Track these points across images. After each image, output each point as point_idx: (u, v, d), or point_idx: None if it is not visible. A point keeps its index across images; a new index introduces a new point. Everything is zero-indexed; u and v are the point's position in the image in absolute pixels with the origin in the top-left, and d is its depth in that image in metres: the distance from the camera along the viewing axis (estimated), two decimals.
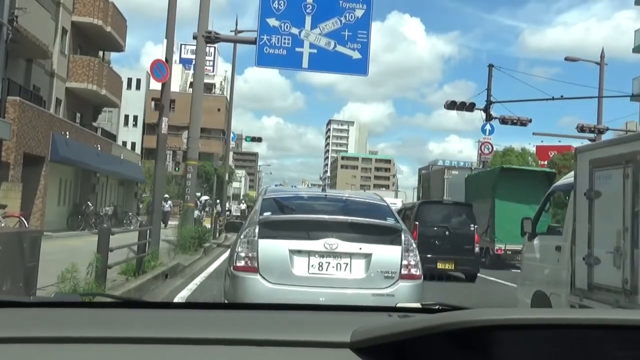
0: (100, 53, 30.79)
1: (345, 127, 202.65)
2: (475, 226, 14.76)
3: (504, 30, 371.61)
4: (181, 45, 67.65)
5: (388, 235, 5.49)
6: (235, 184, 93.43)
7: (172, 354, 1.27)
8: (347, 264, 5.32)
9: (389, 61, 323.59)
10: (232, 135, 36.83)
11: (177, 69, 57.48)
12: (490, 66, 26.78)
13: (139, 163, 37.49)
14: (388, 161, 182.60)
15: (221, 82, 72.19)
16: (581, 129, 25.79)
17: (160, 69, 13.47)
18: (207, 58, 36.33)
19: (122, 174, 31.85)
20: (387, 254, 5.39)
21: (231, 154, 53.05)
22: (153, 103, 52.06)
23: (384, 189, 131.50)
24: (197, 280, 10.62)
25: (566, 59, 28.13)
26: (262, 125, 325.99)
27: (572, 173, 7.12)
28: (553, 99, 24.44)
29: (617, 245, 5.70)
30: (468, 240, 14.19)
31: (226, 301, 5.48)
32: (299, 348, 1.30)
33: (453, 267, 13.90)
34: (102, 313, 1.70)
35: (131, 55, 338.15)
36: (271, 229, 5.41)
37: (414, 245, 5.54)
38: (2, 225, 14.34)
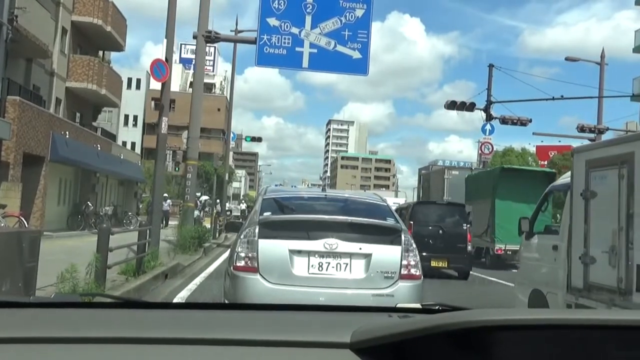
0: (100, 53, 30.79)
1: (345, 127, 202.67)
2: (468, 225, 15.32)
3: (504, 30, 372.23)
4: (181, 45, 67.71)
5: (388, 236, 5.49)
6: (235, 184, 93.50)
7: (172, 354, 1.27)
8: (347, 264, 5.31)
9: (389, 61, 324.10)
10: (232, 135, 36.84)
11: (177, 68, 57.49)
12: (491, 66, 26.80)
13: (138, 163, 37.49)
14: (388, 161, 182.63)
15: (221, 82, 72.20)
16: (581, 129, 25.80)
17: (160, 68, 13.46)
18: (207, 58, 36.36)
19: (122, 174, 31.85)
20: (387, 254, 5.39)
21: (231, 154, 53.05)
22: (153, 103, 52.08)
23: (383, 189, 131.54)
24: (197, 280, 10.61)
25: (566, 59, 28.14)
26: (262, 125, 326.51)
27: (569, 173, 7.17)
28: (553, 99, 24.45)
29: (612, 244, 5.75)
30: (461, 239, 14.70)
31: (226, 301, 5.48)
32: (299, 348, 1.30)
33: (446, 265, 14.35)
34: (101, 313, 1.69)
35: (131, 55, 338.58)
36: (271, 229, 5.41)
37: (414, 246, 5.53)
38: (2, 225, 14.34)
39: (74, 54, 26.85)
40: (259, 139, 38.33)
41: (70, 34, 26.24)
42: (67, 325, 1.43)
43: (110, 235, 8.22)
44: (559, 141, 36.20)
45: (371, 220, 5.62)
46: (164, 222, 23.37)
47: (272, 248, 5.32)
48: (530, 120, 25.47)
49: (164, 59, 13.83)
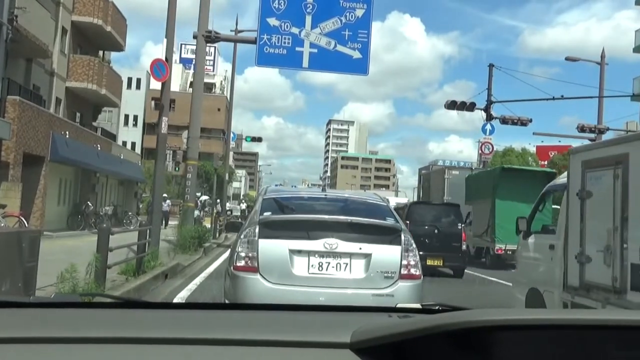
0: (100, 53, 30.79)
1: (345, 127, 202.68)
2: (462, 225, 15.84)
3: (504, 30, 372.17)
4: (181, 44, 67.71)
5: (388, 235, 5.50)
6: (235, 184, 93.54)
7: (172, 354, 1.27)
8: (347, 264, 5.32)
9: (389, 61, 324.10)
10: (232, 135, 36.86)
11: (177, 68, 57.50)
12: (491, 66, 26.79)
13: (139, 163, 37.50)
14: (388, 161, 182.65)
15: (221, 81, 72.22)
16: (581, 129, 25.79)
17: (160, 68, 13.47)
18: (207, 58, 36.36)
19: (122, 174, 31.85)
20: (387, 254, 5.39)
21: (231, 154, 53.07)
22: (153, 103, 52.08)
23: (384, 189, 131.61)
24: (197, 280, 10.61)
25: (566, 58, 28.13)
26: (262, 125, 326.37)
27: (566, 173, 7.24)
28: (553, 98, 24.44)
29: (607, 244, 5.79)
30: (455, 238, 15.11)
31: (226, 301, 5.49)
32: (299, 348, 1.30)
33: (441, 264, 14.67)
34: (101, 313, 1.69)
35: (131, 55, 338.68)
36: (271, 229, 5.42)
37: (414, 245, 5.54)
38: (2, 225, 14.34)
39: (74, 53, 26.85)
40: (259, 139, 38.33)
41: (70, 34, 26.24)
42: (67, 325, 1.43)
43: (110, 235, 8.22)
44: (559, 141, 36.24)
45: (371, 220, 5.63)
46: (164, 222, 23.35)
47: (272, 248, 5.32)
48: (531, 120, 25.47)
49: (164, 58, 13.83)
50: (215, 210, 32.10)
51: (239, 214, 46.48)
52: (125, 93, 38.25)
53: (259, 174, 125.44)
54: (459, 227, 15.52)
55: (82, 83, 26.50)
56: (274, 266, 5.27)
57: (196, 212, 22.11)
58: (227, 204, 46.26)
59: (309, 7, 16.65)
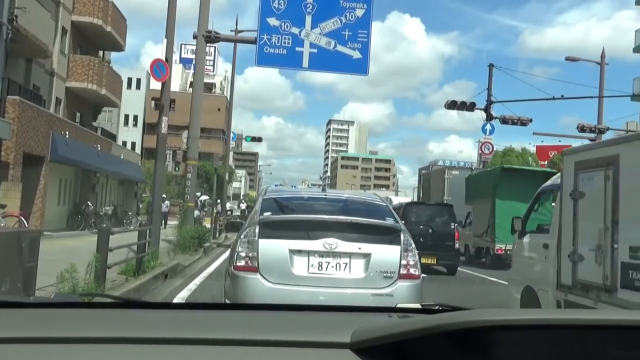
0: (100, 53, 30.78)
1: (345, 127, 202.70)
2: (456, 225, 16.41)
3: (504, 30, 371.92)
4: (181, 45, 67.72)
5: (387, 235, 5.51)
6: (235, 184, 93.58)
7: (172, 354, 1.27)
8: (346, 263, 5.33)
9: (389, 61, 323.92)
10: (232, 135, 36.85)
11: (177, 68, 57.50)
12: (491, 66, 26.79)
13: (139, 163, 37.50)
14: (388, 161, 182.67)
15: (221, 82, 72.24)
16: (581, 128, 25.79)
17: (160, 68, 13.47)
18: (207, 58, 36.36)
19: (122, 174, 31.85)
20: (386, 254, 5.41)
21: (231, 154, 53.07)
22: (153, 103, 52.09)
23: (384, 189, 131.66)
24: (197, 280, 10.61)
25: (567, 58, 28.13)
26: (262, 125, 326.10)
27: (559, 174, 7.39)
28: (553, 98, 24.44)
29: (598, 243, 5.91)
30: (449, 238, 15.62)
31: (227, 300, 5.51)
32: (299, 348, 1.30)
33: (435, 262, 15.13)
34: (101, 313, 1.70)
35: (131, 55, 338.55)
36: (271, 229, 5.43)
37: (413, 245, 5.56)
38: (2, 225, 14.34)
39: (74, 54, 26.85)
40: (259, 139, 38.33)
41: (70, 34, 26.24)
42: (66, 325, 1.43)
43: (110, 235, 8.22)
44: (559, 141, 36.20)
45: (370, 220, 5.64)
46: (163, 222, 23.36)
47: (272, 248, 5.34)
48: (531, 120, 25.46)
49: (164, 58, 13.84)
50: (215, 210, 32.11)
51: (239, 213, 46.52)
52: (125, 93, 38.25)
53: (259, 174, 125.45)
54: (452, 227, 16.05)
55: (82, 83, 26.49)
56: (274, 266, 5.29)
57: (196, 212, 22.11)
58: (228, 204, 46.30)
59: (309, 7, 16.65)
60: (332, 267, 5.31)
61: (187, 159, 18.02)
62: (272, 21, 16.56)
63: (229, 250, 8.30)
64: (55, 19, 24.05)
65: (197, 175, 21.45)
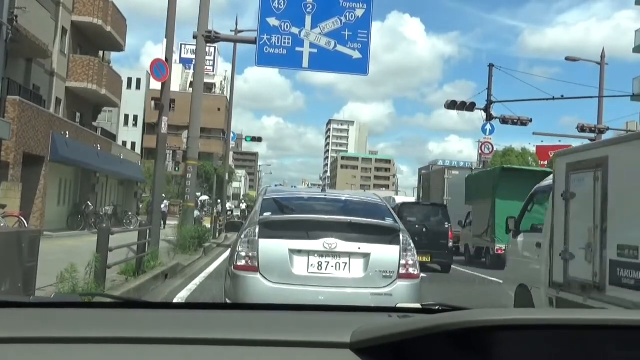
0: (100, 53, 30.78)
1: (345, 127, 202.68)
2: (449, 224, 16.80)
3: (504, 30, 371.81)
4: (181, 45, 67.72)
5: (386, 235, 5.54)
6: (235, 184, 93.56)
7: (172, 354, 1.27)
8: (346, 263, 5.35)
9: (389, 61, 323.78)
10: (232, 135, 36.84)
11: (177, 68, 57.51)
12: (491, 66, 26.79)
13: (139, 163, 37.49)
14: (388, 161, 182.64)
15: (221, 82, 72.24)
16: (581, 128, 25.78)
17: (160, 68, 13.47)
18: (207, 58, 36.34)
19: (122, 174, 31.85)
20: (386, 254, 5.43)
21: (231, 154, 53.07)
22: (153, 103, 52.09)
23: (384, 189, 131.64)
24: (197, 280, 10.61)
25: (567, 58, 28.12)
26: (262, 125, 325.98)
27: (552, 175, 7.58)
28: (553, 98, 24.44)
29: (588, 242, 6.10)
30: (443, 237, 16.10)
31: (227, 300, 5.53)
32: (299, 348, 1.30)
33: (430, 260, 15.56)
34: (101, 313, 1.70)
35: (131, 55, 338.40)
36: (271, 229, 5.46)
37: (412, 245, 5.59)
38: (2, 225, 14.34)
39: (74, 54, 26.85)
40: (259, 139, 38.33)
41: (70, 34, 26.24)
42: (67, 325, 1.43)
43: (110, 235, 8.22)
44: (559, 141, 36.09)
45: (370, 220, 5.67)
46: (162, 223, 23.35)
47: (272, 248, 5.36)
48: (531, 120, 25.46)
49: (164, 59, 13.84)
50: (215, 210, 32.11)
51: (239, 213, 46.52)
52: (125, 93, 38.25)
53: (259, 174, 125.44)
54: (446, 226, 16.53)
55: (82, 83, 26.49)
56: (274, 266, 5.31)
57: (196, 212, 22.11)
58: (228, 204, 46.30)
59: (309, 7, 16.64)
60: (332, 266, 5.33)
61: (187, 159, 18.02)
62: (272, 21, 16.55)
63: (229, 250, 8.31)
64: (55, 19, 24.05)
65: (197, 175, 21.45)
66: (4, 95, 17.95)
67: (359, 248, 5.37)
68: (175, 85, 49.50)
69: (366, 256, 5.37)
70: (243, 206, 57.16)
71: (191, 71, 45.71)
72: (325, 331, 1.39)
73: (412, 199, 30.46)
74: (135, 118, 57.56)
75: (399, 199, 29.05)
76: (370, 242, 5.41)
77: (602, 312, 2.59)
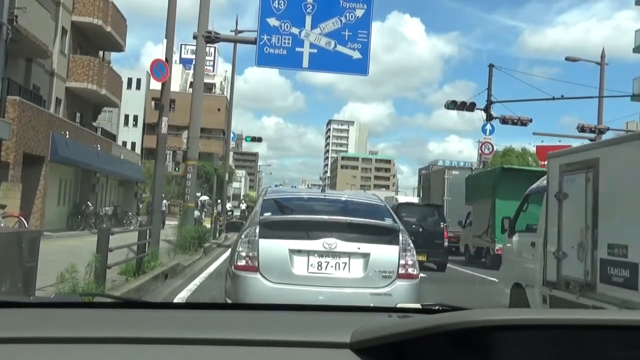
0: (100, 53, 30.78)
1: (345, 127, 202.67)
2: (445, 224, 17.32)
3: (504, 30, 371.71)
4: (181, 45, 67.72)
5: (386, 235, 5.56)
6: (235, 184, 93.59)
7: (172, 354, 1.27)
8: (345, 263, 5.37)
9: (389, 61, 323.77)
10: (232, 135, 36.83)
11: (177, 69, 57.52)
12: (491, 66, 26.78)
13: (139, 163, 37.49)
14: (388, 161, 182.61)
15: (221, 82, 72.25)
16: (581, 129, 25.77)
17: (160, 68, 13.47)
18: (207, 58, 36.33)
19: (122, 174, 31.84)
20: (385, 254, 5.45)
21: (231, 154, 53.07)
22: (153, 103, 52.10)
23: (384, 189, 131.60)
24: (197, 280, 10.61)
25: (567, 59, 28.11)
26: (262, 125, 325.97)
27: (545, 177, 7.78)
28: (554, 98, 24.44)
29: (580, 241, 6.29)
30: (438, 236, 16.49)
31: (227, 299, 5.55)
32: (299, 348, 1.30)
33: (425, 259, 15.77)
34: (101, 313, 1.70)
35: (131, 55, 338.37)
36: (271, 229, 5.48)
37: (412, 245, 5.60)
38: (2, 225, 14.34)
39: (74, 54, 26.85)
40: (259, 139, 38.32)
41: (70, 34, 26.23)
42: (67, 325, 1.43)
43: (110, 235, 8.22)
44: (559, 141, 36.01)
45: (369, 220, 5.70)
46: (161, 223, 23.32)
47: (272, 248, 5.38)
48: (531, 120, 25.45)
49: (164, 59, 13.84)
50: (215, 211, 32.10)
51: (239, 214, 46.53)
52: (125, 93, 38.24)
53: (259, 174, 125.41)
54: (442, 226, 16.98)
55: (82, 83, 26.49)
56: (274, 265, 5.33)
57: (196, 212, 22.12)
58: (228, 204, 46.29)
59: (309, 7, 16.64)
60: (332, 266, 5.36)
61: (187, 159, 18.02)
62: (272, 21, 16.55)
63: (229, 251, 8.31)
64: (55, 19, 24.05)
65: (197, 175, 21.45)
66: (4, 95, 17.95)
67: (359, 248, 5.39)
68: (175, 86, 49.49)
69: (366, 256, 5.38)
70: (243, 206, 57.17)
71: (191, 71, 45.72)
72: (325, 331, 1.39)
73: (416, 200, 30.50)
74: (135, 118, 57.57)
75: (402, 200, 29.20)
76: (369, 242, 5.43)
77: (602, 312, 2.59)
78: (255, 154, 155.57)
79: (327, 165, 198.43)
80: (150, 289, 9.06)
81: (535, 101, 26.86)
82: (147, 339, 1.31)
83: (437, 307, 1.84)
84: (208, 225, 23.02)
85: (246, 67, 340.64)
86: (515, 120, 25.34)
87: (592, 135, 25.32)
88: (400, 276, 5.40)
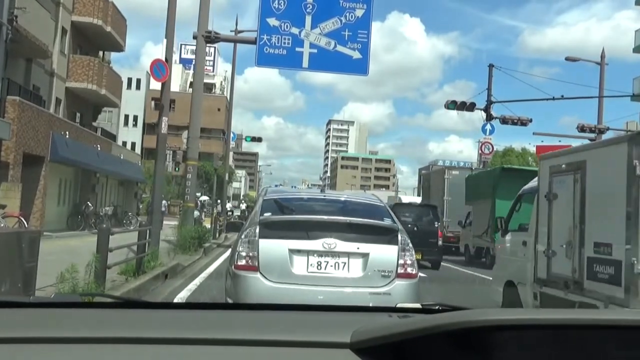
0: (100, 53, 30.78)
1: (345, 127, 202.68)
2: (439, 224, 18.01)
3: (504, 30, 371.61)
4: (181, 45, 67.71)
5: (385, 235, 5.58)
6: (235, 184, 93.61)
7: (172, 354, 1.27)
8: (345, 263, 5.40)
9: (389, 61, 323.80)
10: (232, 135, 36.83)
11: (177, 69, 57.51)
12: (491, 66, 26.78)
13: (139, 163, 37.49)
14: (388, 161, 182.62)
15: (221, 82, 72.25)
16: (581, 129, 25.76)
17: (160, 68, 13.47)
18: (207, 58, 36.35)
19: (122, 174, 31.84)
20: (384, 254, 5.48)
21: (231, 154, 53.08)
22: (153, 103, 52.08)
23: (384, 189, 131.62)
24: (197, 280, 10.61)
25: (567, 59, 28.10)
26: (262, 125, 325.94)
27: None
28: (553, 98, 24.43)
29: (568, 239, 6.53)
30: (432, 235, 16.97)
31: (227, 299, 5.58)
32: (299, 348, 1.30)
33: (420, 257, 16.28)
34: (101, 313, 1.70)
35: (131, 55, 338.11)
36: (271, 229, 5.50)
37: (410, 245, 5.63)
38: (2, 225, 14.34)
39: (74, 54, 26.84)
40: (259, 139, 38.31)
41: (70, 34, 26.23)
42: (67, 325, 1.43)
43: (110, 236, 8.22)
44: (559, 141, 35.98)
45: (369, 220, 5.72)
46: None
47: (272, 247, 5.40)
48: (531, 120, 25.44)
49: (163, 59, 13.84)
50: (215, 211, 32.10)
51: (239, 214, 46.53)
52: (125, 93, 38.23)
53: (259, 174, 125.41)
54: (436, 225, 17.62)
55: (82, 83, 26.48)
56: (274, 265, 5.36)
57: (196, 213, 22.12)
58: (228, 204, 46.30)
59: (309, 7, 16.64)
60: (331, 266, 5.38)
61: (187, 159, 18.02)
62: (272, 21, 16.55)
63: (229, 251, 8.32)
64: (55, 19, 24.05)
65: (197, 175, 21.46)
66: (4, 95, 17.95)
67: (358, 248, 5.41)
68: (175, 86, 49.49)
69: (365, 256, 5.40)
70: (243, 206, 57.16)
71: (191, 71, 45.70)
72: (325, 331, 1.40)
73: (419, 200, 30.53)
74: (135, 118, 57.57)
75: (406, 200, 29.31)
76: (369, 242, 5.45)
77: (602, 312, 2.59)
78: (255, 154, 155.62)
79: (327, 165, 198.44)
80: (150, 289, 9.06)
81: (535, 101, 26.89)
82: (147, 339, 1.31)
83: (437, 307, 1.84)
84: (208, 225, 23.01)
85: (246, 67, 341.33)
86: (515, 120, 25.33)
87: (592, 135, 25.30)
88: (399, 275, 5.42)
